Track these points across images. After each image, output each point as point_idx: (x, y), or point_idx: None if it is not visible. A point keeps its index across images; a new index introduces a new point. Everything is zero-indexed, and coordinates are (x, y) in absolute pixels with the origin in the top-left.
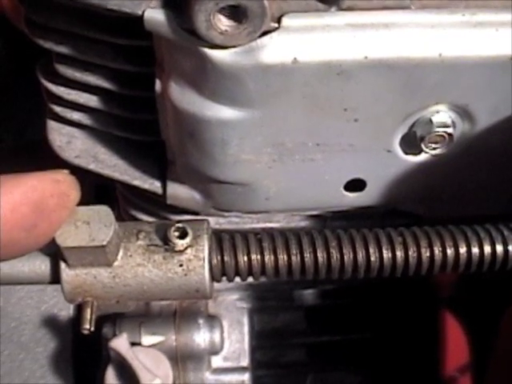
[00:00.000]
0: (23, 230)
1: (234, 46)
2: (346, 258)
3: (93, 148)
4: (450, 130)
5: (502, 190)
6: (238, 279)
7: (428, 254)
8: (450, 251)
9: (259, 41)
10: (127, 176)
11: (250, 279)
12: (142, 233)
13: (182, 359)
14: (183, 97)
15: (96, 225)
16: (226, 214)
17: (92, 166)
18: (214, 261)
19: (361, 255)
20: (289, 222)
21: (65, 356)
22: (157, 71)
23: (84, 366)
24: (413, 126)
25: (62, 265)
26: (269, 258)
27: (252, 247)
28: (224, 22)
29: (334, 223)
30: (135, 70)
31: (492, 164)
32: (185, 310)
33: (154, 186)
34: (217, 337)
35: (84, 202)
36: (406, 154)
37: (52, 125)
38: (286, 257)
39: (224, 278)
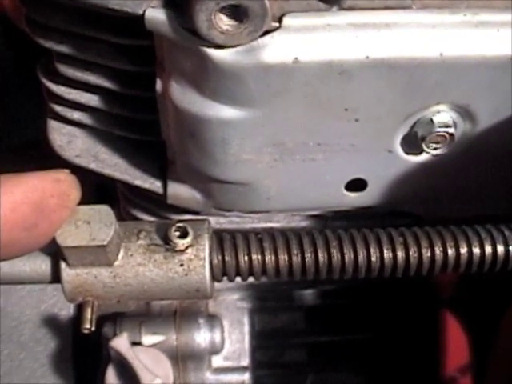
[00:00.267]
0: (24, 229)
1: (234, 46)
2: (346, 258)
3: (93, 147)
4: (451, 130)
5: (503, 191)
6: (238, 279)
7: (429, 254)
8: (450, 251)
9: (260, 40)
10: (128, 175)
11: (251, 279)
12: (143, 232)
13: (183, 359)
14: (184, 96)
15: (97, 224)
16: (227, 213)
17: (92, 166)
18: (215, 260)
19: (361, 255)
20: (289, 222)
21: (65, 355)
22: (157, 71)
23: (84, 366)
24: (414, 126)
25: (63, 264)
26: (269, 258)
27: (253, 247)
28: (225, 22)
29: (334, 223)
30: (136, 70)
31: (493, 164)
32: (185, 310)
33: (155, 185)
34: (217, 336)
35: (84, 201)
36: (407, 154)
37: (52, 124)
38: (286, 257)
39: (225, 278)
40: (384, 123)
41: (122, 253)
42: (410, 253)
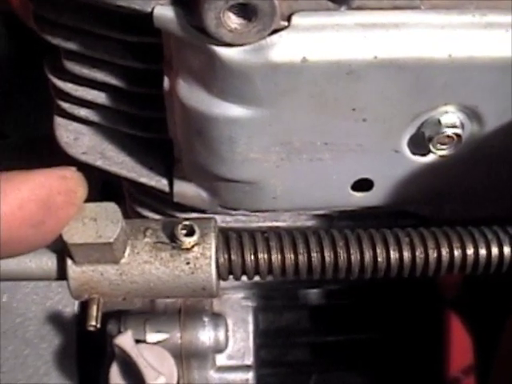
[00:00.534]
0: (31, 226)
1: (243, 44)
2: (353, 258)
3: (100, 145)
4: (458, 131)
5: (509, 192)
6: (243, 278)
7: (435, 255)
8: (457, 252)
9: (268, 39)
10: (134, 173)
11: (256, 278)
12: (149, 230)
13: (187, 357)
14: (191, 94)
15: (103, 222)
16: (233, 212)
17: (99, 163)
18: (221, 259)
19: (368, 255)
20: (295, 221)
21: (69, 352)
22: (165, 68)
23: (88, 363)
24: (421, 126)
25: (69, 261)
26: (276, 257)
27: (259, 246)
28: (234, 20)
29: (340, 223)
30: (143, 67)
31: (500, 166)
32: (190, 308)
33: (161, 183)
34: (221, 335)
35: (90, 199)
36: (414, 154)
37: (59, 121)
38: (293, 256)
39: (231, 277)
40: (391, 123)
41: (128, 250)
42: (417, 253)
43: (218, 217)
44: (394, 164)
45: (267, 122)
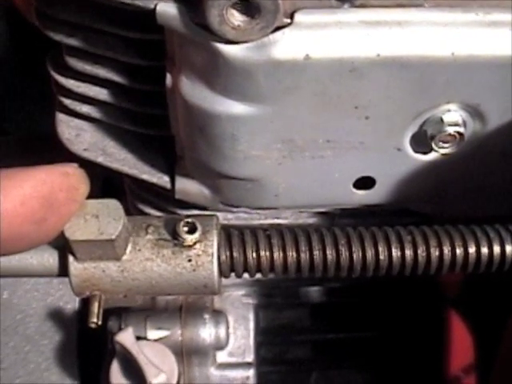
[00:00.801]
0: (33, 223)
1: (246, 42)
2: (355, 256)
3: (102, 141)
4: (460, 130)
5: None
6: (245, 275)
7: (437, 253)
8: (459, 251)
9: (271, 36)
10: (136, 170)
11: (257, 275)
12: (151, 227)
13: (188, 354)
14: (194, 91)
15: (105, 218)
16: (235, 209)
17: (100, 160)
18: (223, 256)
19: (370, 253)
20: (297, 219)
21: (70, 349)
22: (168, 65)
23: (89, 360)
24: (423, 124)
25: (71, 258)
26: (278, 255)
27: (261, 243)
28: (237, 17)
29: (342, 221)
30: (146, 64)
31: (502, 164)
32: (191, 305)
33: (163, 180)
34: (222, 332)
35: (91, 195)
36: (416, 152)
37: (61, 117)
38: (294, 254)
39: (232, 274)
40: (394, 121)
41: (130, 247)
42: (419, 252)
43: (219, 214)
44: (396, 162)
45: (269, 120)
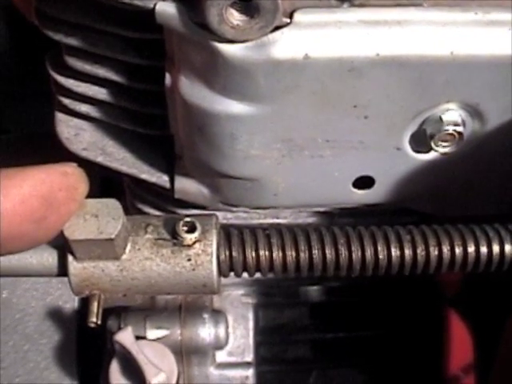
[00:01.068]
0: (32, 222)
1: (245, 41)
2: (354, 255)
3: (101, 141)
4: (460, 129)
5: (511, 190)
6: (244, 274)
7: (436, 253)
8: (458, 250)
9: (271, 36)
10: (135, 169)
11: (257, 275)
12: (151, 226)
13: (187, 353)
14: (193, 91)
15: (104, 218)
16: (234, 208)
17: (100, 159)
18: (222, 256)
19: (369, 253)
20: (296, 218)
21: (69, 348)
22: (167, 65)
23: (88, 359)
24: (423, 123)
25: (70, 258)
26: (277, 255)
27: (260, 243)
28: (236, 17)
29: (341, 220)
30: (145, 64)
31: (502, 163)
32: (190, 305)
33: (162, 179)
34: (222, 332)
35: (90, 195)
36: (416, 152)
37: (60, 117)
38: (294, 253)
39: (232, 274)
40: (393, 121)
41: (129, 247)
42: (418, 251)
43: (218, 213)
44: (395, 161)
45: (269, 119)
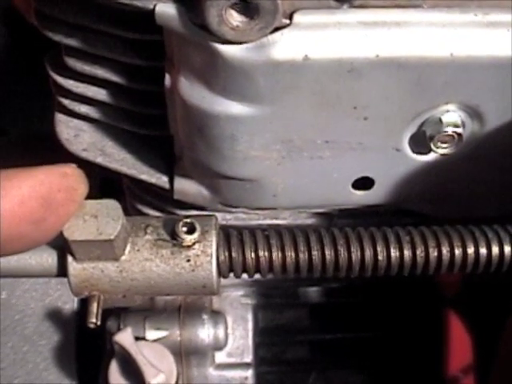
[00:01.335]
0: (31, 223)
1: (245, 42)
2: (353, 256)
3: (100, 141)
4: (459, 130)
5: (510, 191)
6: (243, 275)
7: (436, 254)
8: (457, 251)
9: (270, 37)
10: (135, 170)
11: (256, 275)
12: (150, 227)
13: (186, 354)
14: (193, 92)
15: (104, 219)
16: (233, 209)
17: (99, 160)
18: (222, 257)
19: (368, 254)
20: (295, 219)
21: (68, 349)
22: (166, 66)
23: (87, 360)
24: (422, 125)
25: (69, 258)
26: (276, 255)
27: (260, 244)
28: (236, 18)
29: (341, 221)
30: (145, 65)
31: (501, 165)
32: (189, 306)
33: (162, 180)
34: (221, 332)
35: (90, 196)
36: (415, 153)
37: (60, 117)
38: (293, 254)
39: (231, 274)
40: (392, 122)
41: (128, 247)
42: (417, 252)
43: (218, 214)
44: (394, 162)
45: (268, 120)
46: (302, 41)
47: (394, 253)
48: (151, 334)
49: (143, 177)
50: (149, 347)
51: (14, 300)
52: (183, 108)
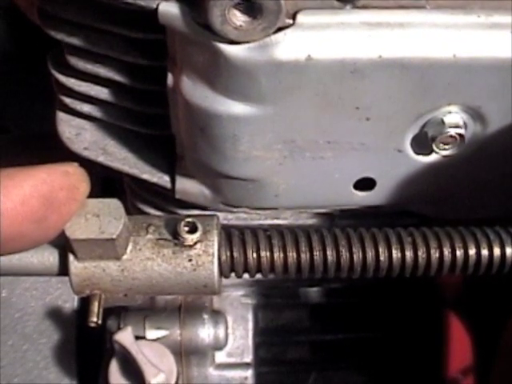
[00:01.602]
0: (33, 222)
1: (247, 42)
2: (355, 257)
3: (102, 140)
4: (461, 131)
5: None
6: (244, 275)
7: (437, 255)
8: (459, 252)
9: (273, 37)
10: (136, 169)
11: (256, 275)
12: (152, 227)
13: (186, 354)
14: (195, 91)
15: (106, 218)
16: (235, 209)
17: (101, 159)
18: (223, 256)
19: (370, 254)
20: (297, 219)
21: (68, 348)
22: (169, 65)
23: (87, 359)
24: (424, 126)
25: (71, 257)
26: (278, 255)
27: (261, 244)
28: (239, 17)
29: (342, 221)
30: (147, 64)
31: (503, 166)
32: (190, 305)
33: (163, 180)
34: (221, 332)
35: (91, 194)
36: (417, 154)
37: (61, 116)
38: (295, 254)
39: (232, 274)
40: (395, 123)
41: (130, 247)
42: (419, 253)
43: (219, 214)
44: (396, 163)
45: (270, 120)
46: (305, 41)
47: (396, 254)
48: (151, 333)
49: (145, 176)
50: (149, 346)
51: (14, 298)
52: (185, 107)
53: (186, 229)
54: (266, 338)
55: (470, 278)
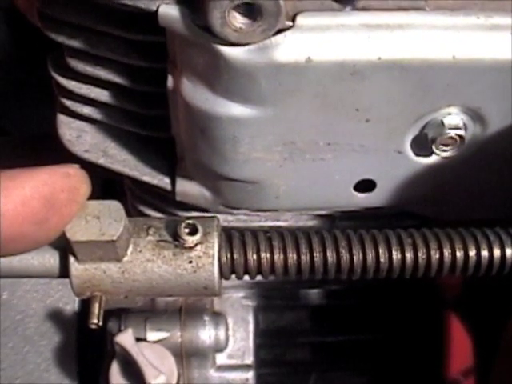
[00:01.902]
0: (34, 223)
1: (247, 44)
2: (355, 258)
3: (103, 142)
4: (461, 133)
5: None
6: (245, 277)
7: (437, 256)
8: (459, 254)
9: (273, 39)
10: (136, 171)
11: (257, 277)
12: (152, 228)
13: (187, 356)
14: (195, 93)
15: (106, 219)
16: (235, 211)
17: (101, 161)
18: (224, 258)
19: (370, 256)
20: (297, 221)
21: (69, 350)
22: (169, 67)
23: (88, 361)
24: (424, 127)
25: (71, 259)
26: (278, 257)
27: (262, 245)
28: (239, 20)
29: (342, 223)
30: (147, 66)
31: (503, 167)
32: (190, 307)
33: (163, 182)
34: (222, 334)
35: (92, 196)
36: (417, 155)
37: (62, 118)
38: (295, 256)
39: (233, 276)
40: (394, 124)
41: (130, 248)
42: (419, 254)
43: (219, 216)
44: (396, 165)
45: (271, 122)
46: (305, 43)
47: (396, 255)
48: (152, 335)
49: (145, 178)
50: (150, 348)
51: (14, 300)
52: (185, 109)
53: (187, 230)
54: (266, 340)
55: (470, 279)
